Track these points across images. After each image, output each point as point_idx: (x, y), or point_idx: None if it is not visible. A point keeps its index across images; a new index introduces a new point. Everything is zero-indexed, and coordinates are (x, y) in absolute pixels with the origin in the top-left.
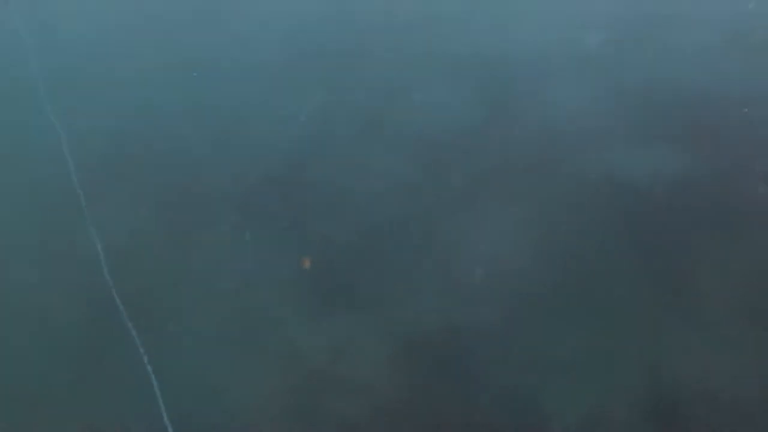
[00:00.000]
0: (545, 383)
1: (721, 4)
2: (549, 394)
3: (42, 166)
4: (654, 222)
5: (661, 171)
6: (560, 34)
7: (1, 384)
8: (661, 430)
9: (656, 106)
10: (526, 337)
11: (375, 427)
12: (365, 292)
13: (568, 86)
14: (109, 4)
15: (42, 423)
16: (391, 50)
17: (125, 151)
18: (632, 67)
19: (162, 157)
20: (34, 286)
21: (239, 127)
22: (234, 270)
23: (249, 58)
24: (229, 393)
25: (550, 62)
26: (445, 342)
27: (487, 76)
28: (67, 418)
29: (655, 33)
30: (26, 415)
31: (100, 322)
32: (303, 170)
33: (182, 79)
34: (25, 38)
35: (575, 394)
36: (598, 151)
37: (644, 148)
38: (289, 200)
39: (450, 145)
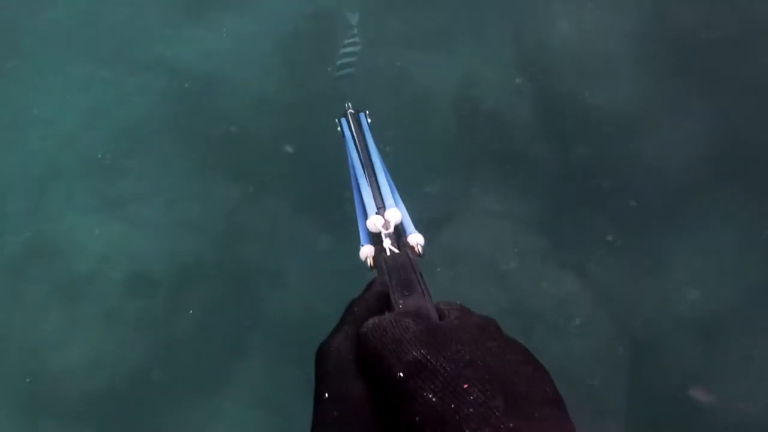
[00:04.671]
0: (421, 56)
1: None
2: (427, 69)
3: None
4: None
5: None
6: None
7: None
8: (529, 80)
9: None
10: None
11: (261, 120)
12: None
13: None
14: None
15: None
16: None
17: None
18: None
19: None
20: None
21: None
22: None
23: None
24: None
25: None
26: (321, 34)
27: None
28: None
29: None
30: None
31: None
32: None
33: None
34: None
35: (448, 66)
36: None
37: None
38: None
39: None
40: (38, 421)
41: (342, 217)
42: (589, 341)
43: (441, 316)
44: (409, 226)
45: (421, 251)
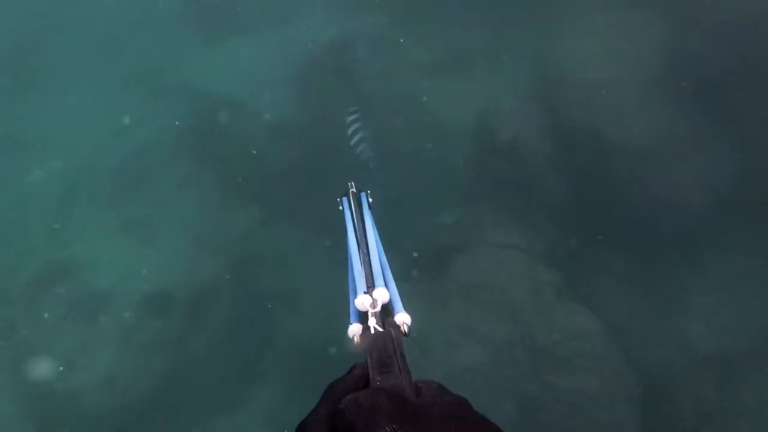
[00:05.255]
0: (440, 84)
1: None
2: (445, 98)
3: None
4: None
5: None
6: None
7: None
8: (546, 112)
9: None
10: (415, 43)
11: (277, 145)
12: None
13: None
14: None
15: None
16: None
17: None
18: None
19: None
20: None
21: None
22: None
23: None
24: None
25: None
26: (340, 53)
27: None
28: None
29: None
30: None
31: None
32: None
33: None
34: None
35: (469, 93)
36: None
37: None
38: None
39: None
40: None
41: None
42: (600, 376)
43: (417, 393)
44: (398, 305)
45: (406, 330)
